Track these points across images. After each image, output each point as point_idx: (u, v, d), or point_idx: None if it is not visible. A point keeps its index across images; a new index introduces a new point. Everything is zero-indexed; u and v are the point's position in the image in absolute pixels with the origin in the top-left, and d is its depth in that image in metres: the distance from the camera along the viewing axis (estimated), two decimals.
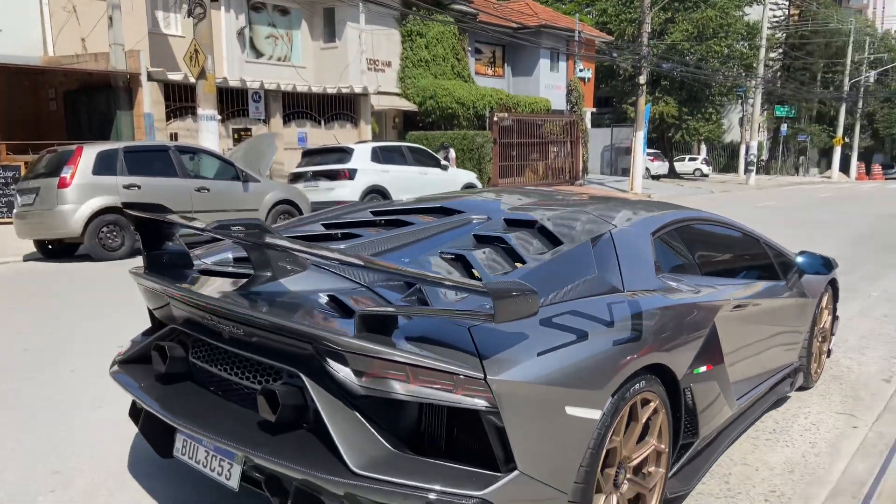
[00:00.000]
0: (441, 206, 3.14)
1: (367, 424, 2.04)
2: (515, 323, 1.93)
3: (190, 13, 11.61)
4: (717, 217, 3.72)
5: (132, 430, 3.14)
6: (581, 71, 28.97)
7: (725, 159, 44.60)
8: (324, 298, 2.24)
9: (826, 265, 4.08)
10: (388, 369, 1.94)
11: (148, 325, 3.10)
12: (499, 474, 1.94)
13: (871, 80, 50.22)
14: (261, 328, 2.16)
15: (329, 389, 2.06)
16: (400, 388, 1.95)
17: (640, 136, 24.58)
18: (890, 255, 9.76)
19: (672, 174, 35.94)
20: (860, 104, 47.28)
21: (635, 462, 2.46)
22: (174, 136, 15.07)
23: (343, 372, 1.99)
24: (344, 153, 12.76)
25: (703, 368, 2.78)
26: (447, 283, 1.96)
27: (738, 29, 34.08)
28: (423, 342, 1.96)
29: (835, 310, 4.74)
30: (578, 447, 2.13)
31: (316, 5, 20.70)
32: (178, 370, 2.55)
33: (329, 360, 2.00)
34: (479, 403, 1.91)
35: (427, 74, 22.65)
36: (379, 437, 2.02)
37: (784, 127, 43.12)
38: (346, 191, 12.26)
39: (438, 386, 1.92)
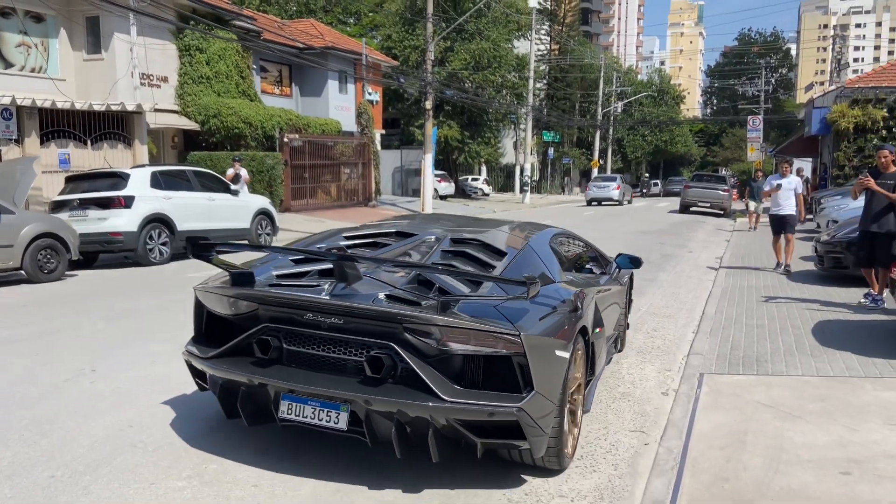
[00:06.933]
0: (396, 231, 4.37)
1: (438, 372, 3.16)
2: (518, 301, 3.17)
3: None
4: (569, 232, 5.37)
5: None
6: (370, 94, 29.39)
7: (503, 180, 47.93)
8: (382, 296, 3.31)
9: (633, 262, 5.58)
10: (457, 334, 3.11)
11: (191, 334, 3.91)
12: (523, 395, 3.13)
13: (619, 109, 57.29)
14: (361, 316, 3.19)
15: (413, 352, 3.15)
16: (462, 347, 3.14)
17: (429, 159, 25.53)
18: (648, 270, 10.92)
19: (461, 194, 37.73)
20: (611, 131, 53.65)
21: (575, 388, 3.80)
22: None
23: (426, 339, 3.14)
24: (118, 178, 11.44)
25: (597, 330, 4.31)
26: (500, 279, 3.41)
27: (509, 61, 36.98)
28: (473, 317, 3.12)
29: (629, 295, 6.43)
30: (560, 375, 3.42)
31: (76, 13, 18.62)
32: (273, 356, 3.38)
33: (415, 332, 3.13)
34: (513, 351, 3.11)
35: (209, 92, 21.42)
36: (446, 379, 3.16)
37: (550, 151, 47.50)
38: (122, 220, 11.05)
39: (487, 343, 3.12)
